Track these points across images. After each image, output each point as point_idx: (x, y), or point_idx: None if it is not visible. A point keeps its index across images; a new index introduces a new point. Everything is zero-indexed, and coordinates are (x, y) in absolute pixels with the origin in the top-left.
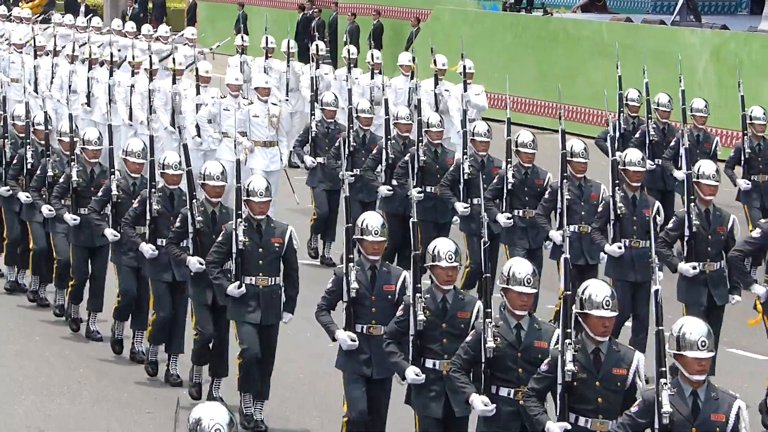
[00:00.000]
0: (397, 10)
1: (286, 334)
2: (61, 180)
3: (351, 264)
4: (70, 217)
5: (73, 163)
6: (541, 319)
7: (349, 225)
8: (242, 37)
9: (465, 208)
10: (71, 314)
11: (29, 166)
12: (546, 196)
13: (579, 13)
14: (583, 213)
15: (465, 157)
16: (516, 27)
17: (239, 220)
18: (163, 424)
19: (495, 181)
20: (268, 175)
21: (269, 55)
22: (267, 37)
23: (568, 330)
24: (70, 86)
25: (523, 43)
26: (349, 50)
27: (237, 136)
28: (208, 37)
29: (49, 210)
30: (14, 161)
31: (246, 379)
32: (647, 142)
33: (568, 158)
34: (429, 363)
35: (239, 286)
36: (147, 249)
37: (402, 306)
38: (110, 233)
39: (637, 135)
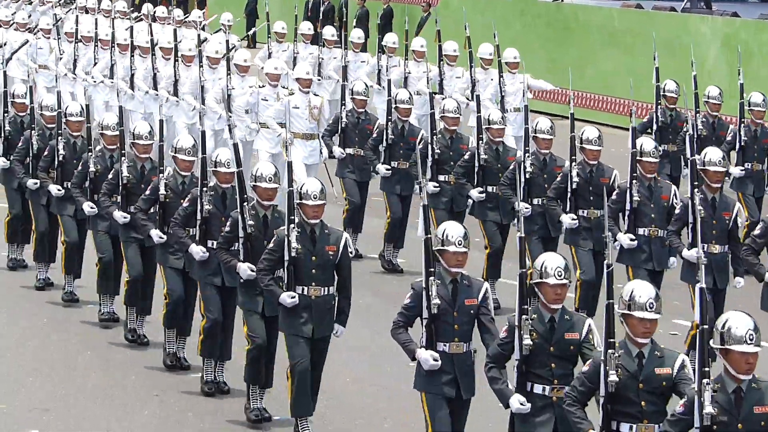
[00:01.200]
0: None
1: None
2: (110, 176)
3: (431, 278)
4: (120, 215)
5: (123, 159)
6: (663, 346)
7: (429, 236)
8: (278, 24)
9: (526, 208)
10: (129, 325)
11: (60, 158)
12: (614, 197)
13: None
14: (653, 215)
15: (526, 155)
16: (526, 13)
17: (292, 225)
18: (169, 407)
19: (558, 179)
20: (309, 168)
21: (305, 41)
22: (302, 23)
23: (706, 369)
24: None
25: (534, 29)
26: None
27: (285, 136)
28: (217, 21)
29: (91, 207)
30: (45, 153)
31: (300, 398)
32: (695, 136)
33: (637, 157)
34: (537, 388)
35: (292, 296)
36: (197, 251)
37: (506, 327)
38: (156, 234)
39: (685, 129)
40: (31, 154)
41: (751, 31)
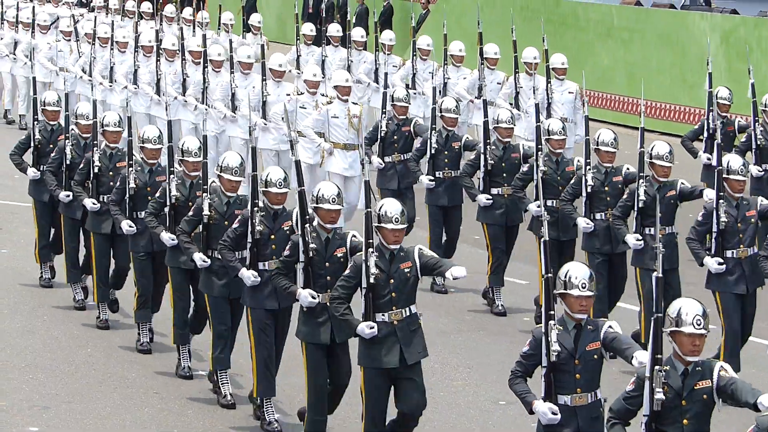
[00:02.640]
0: None
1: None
2: (158, 195)
3: (552, 322)
4: (167, 237)
5: (171, 176)
6: None
7: (549, 275)
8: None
9: (587, 224)
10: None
11: (96, 170)
12: (699, 218)
13: None
14: (741, 236)
15: (588, 168)
16: (525, 10)
17: (370, 250)
18: (169, 403)
19: (625, 196)
20: (348, 180)
21: (335, 44)
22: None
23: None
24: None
25: (533, 26)
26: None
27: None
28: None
29: (130, 226)
30: (81, 165)
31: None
32: (754, 146)
33: (724, 175)
34: None
35: (371, 326)
36: (248, 275)
37: (633, 379)
38: (199, 258)
39: (743, 139)
40: (64, 165)
41: (751, 28)
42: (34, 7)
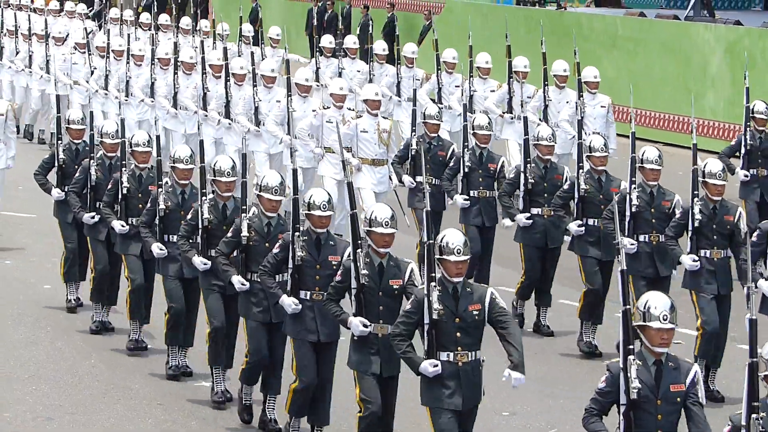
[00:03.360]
0: (410, 3)
1: None
2: (189, 217)
3: (631, 357)
4: (199, 261)
5: (204, 198)
6: None
7: (628, 307)
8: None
9: (632, 245)
10: (216, 388)
11: (124, 191)
12: (754, 239)
13: (592, 7)
14: None
15: (633, 186)
16: (529, 21)
17: (432, 283)
18: (172, 414)
19: (678, 216)
20: (377, 197)
21: (351, 56)
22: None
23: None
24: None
25: (536, 37)
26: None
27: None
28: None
29: (160, 249)
30: (109, 186)
31: None
32: None
33: None
34: None
35: (435, 364)
36: (289, 303)
37: (729, 429)
38: (238, 281)
39: None
40: (89, 186)
41: (755, 39)
42: (46, 19)
